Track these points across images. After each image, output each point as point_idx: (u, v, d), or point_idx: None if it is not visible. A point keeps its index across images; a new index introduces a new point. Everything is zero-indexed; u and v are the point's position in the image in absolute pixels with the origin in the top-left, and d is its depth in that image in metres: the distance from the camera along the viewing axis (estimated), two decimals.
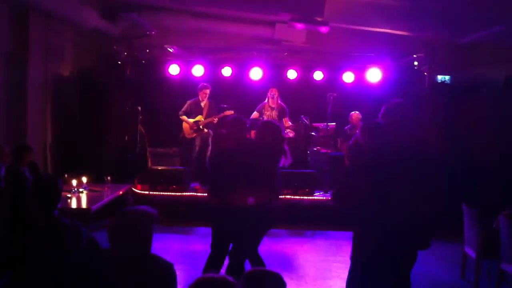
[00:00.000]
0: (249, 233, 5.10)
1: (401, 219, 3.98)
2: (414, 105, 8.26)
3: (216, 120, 9.88)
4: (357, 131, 4.71)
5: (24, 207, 4.12)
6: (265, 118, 9.78)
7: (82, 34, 9.88)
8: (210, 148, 9.65)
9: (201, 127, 9.98)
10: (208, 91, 10.03)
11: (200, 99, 10.06)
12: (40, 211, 3.70)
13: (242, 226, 5.00)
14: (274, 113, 9.91)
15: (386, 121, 4.33)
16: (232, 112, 9.56)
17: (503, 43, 9.25)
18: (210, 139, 9.87)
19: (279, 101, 9.97)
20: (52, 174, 8.08)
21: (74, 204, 6.32)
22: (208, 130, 9.96)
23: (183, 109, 10.09)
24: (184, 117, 10.06)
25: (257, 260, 5.20)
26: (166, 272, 3.09)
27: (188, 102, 10.13)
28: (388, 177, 3.98)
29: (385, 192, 3.97)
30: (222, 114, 9.75)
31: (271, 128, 5.43)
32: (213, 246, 5.20)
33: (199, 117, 10.00)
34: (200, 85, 10.10)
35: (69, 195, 6.54)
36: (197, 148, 10.03)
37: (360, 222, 4.19)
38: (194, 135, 10.06)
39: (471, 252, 6.25)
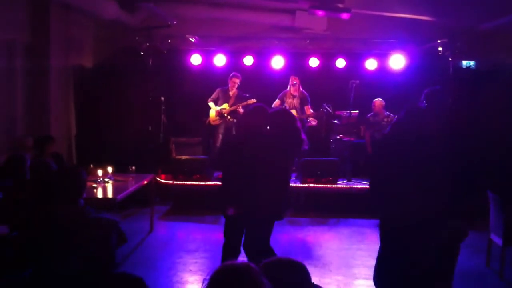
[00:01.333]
0: (259, 225, 5.07)
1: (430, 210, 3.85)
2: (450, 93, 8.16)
3: (240, 108, 9.91)
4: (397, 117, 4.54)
5: (49, 198, 4.17)
6: (287, 106, 9.77)
7: (102, 25, 9.95)
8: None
9: (225, 115, 10.02)
10: (237, 80, 10.06)
11: (230, 87, 10.11)
12: (64, 201, 3.75)
13: (251, 219, 4.99)
14: (296, 101, 9.89)
15: (429, 105, 4.29)
16: (255, 100, 9.56)
17: None
18: (234, 128, 9.97)
19: (300, 89, 9.95)
20: (75, 165, 8.19)
21: (100, 194, 6.40)
22: (232, 119, 10.01)
23: (212, 96, 10.17)
24: (211, 104, 10.13)
25: (269, 253, 5.15)
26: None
27: (217, 90, 10.20)
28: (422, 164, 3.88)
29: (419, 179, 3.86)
30: (245, 103, 9.77)
31: (285, 118, 5.18)
32: (226, 234, 5.22)
33: (224, 105, 10.05)
34: (231, 74, 10.16)
35: (94, 185, 6.62)
36: (220, 136, 10.08)
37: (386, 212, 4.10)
38: (219, 122, 10.12)
39: (497, 239, 6.18)
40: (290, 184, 5.44)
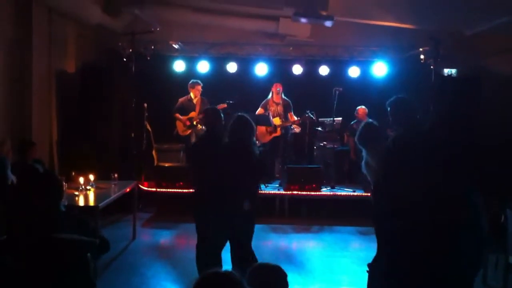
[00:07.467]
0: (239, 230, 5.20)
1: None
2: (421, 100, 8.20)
3: None
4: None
5: (34, 201, 4.12)
6: (271, 113, 9.77)
7: (86, 29, 9.87)
8: None
9: (194, 123, 9.96)
10: (200, 87, 10.01)
11: (193, 96, 10.05)
12: (47, 205, 3.71)
13: (224, 222, 5.11)
14: (280, 108, 9.91)
15: (394, 113, 4.27)
16: (225, 105, 9.53)
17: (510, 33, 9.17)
18: None
19: (282, 96, 9.97)
20: (49, 170, 8.00)
21: (81, 202, 6.32)
22: (201, 127, 9.95)
23: (176, 107, 10.09)
24: (178, 115, 10.06)
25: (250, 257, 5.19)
26: None
27: (180, 100, 10.12)
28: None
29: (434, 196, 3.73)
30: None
31: (240, 125, 5.25)
32: (199, 241, 5.37)
33: (192, 114, 9.98)
34: (191, 82, 10.07)
35: (76, 193, 6.53)
36: None
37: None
38: (188, 132, 10.04)
39: None
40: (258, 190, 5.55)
